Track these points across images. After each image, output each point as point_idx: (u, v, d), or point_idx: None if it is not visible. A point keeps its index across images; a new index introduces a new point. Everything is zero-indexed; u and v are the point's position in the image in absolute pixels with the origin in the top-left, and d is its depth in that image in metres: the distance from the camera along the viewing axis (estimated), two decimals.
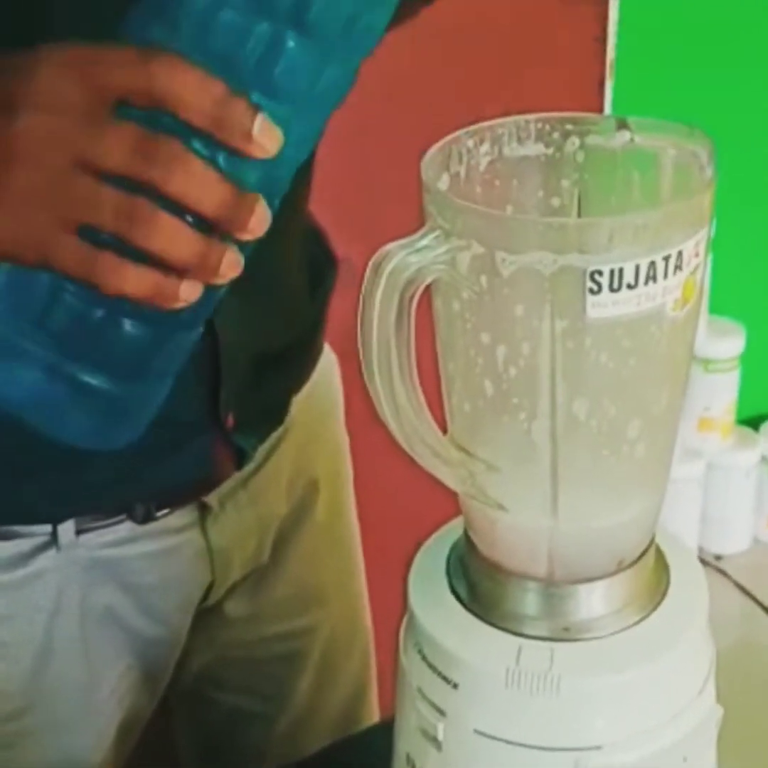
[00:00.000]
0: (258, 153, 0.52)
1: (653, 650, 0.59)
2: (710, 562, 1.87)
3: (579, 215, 0.61)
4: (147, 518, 0.84)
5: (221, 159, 0.52)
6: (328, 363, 0.98)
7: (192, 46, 0.52)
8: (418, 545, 0.65)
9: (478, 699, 0.59)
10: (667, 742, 0.59)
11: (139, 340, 0.56)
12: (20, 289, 0.55)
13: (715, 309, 1.79)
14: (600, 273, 0.52)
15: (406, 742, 0.63)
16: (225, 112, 0.51)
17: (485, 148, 0.59)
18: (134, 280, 0.53)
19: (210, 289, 0.55)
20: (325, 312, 0.93)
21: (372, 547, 1.07)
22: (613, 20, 1.51)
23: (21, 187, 0.52)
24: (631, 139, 0.59)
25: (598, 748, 0.58)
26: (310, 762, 0.88)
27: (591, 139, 0.60)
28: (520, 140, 0.60)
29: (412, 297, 0.54)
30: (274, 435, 0.91)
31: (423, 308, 0.56)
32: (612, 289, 0.52)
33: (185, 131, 0.51)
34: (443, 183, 0.58)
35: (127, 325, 0.55)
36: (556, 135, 0.60)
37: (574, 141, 0.60)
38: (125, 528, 0.84)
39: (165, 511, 0.85)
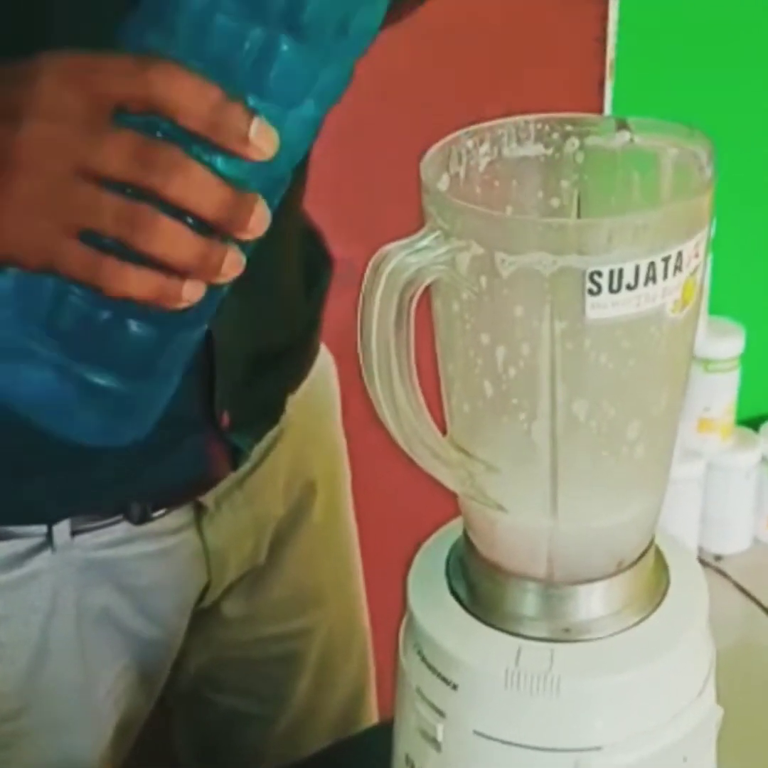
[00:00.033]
0: (255, 155, 0.53)
1: (653, 651, 0.59)
2: (710, 563, 1.87)
3: (578, 216, 0.61)
4: (143, 519, 0.84)
5: (220, 161, 0.53)
6: (324, 363, 0.98)
7: (188, 51, 0.52)
8: (417, 546, 0.65)
9: (477, 700, 0.59)
10: (667, 742, 0.59)
11: (144, 340, 0.57)
12: (27, 293, 0.56)
13: (714, 309, 1.80)
14: (599, 274, 0.52)
15: (405, 743, 0.63)
16: (221, 116, 0.52)
17: (485, 148, 0.59)
18: (137, 283, 0.53)
19: (213, 289, 0.56)
20: (321, 311, 0.93)
21: (371, 547, 1.07)
22: (613, 20, 1.51)
23: (24, 194, 0.53)
24: (631, 140, 0.59)
25: (598, 748, 0.58)
26: (309, 763, 0.88)
27: (591, 140, 0.60)
28: (519, 141, 0.60)
29: (411, 298, 0.54)
30: (271, 435, 0.91)
31: (423, 309, 0.56)
32: (611, 290, 0.52)
33: (183, 136, 0.52)
34: (443, 183, 0.58)
35: (133, 325, 0.56)
36: (555, 135, 0.60)
37: (574, 141, 0.60)
38: (121, 529, 0.84)
39: (161, 511, 0.85)
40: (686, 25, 1.66)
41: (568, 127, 0.60)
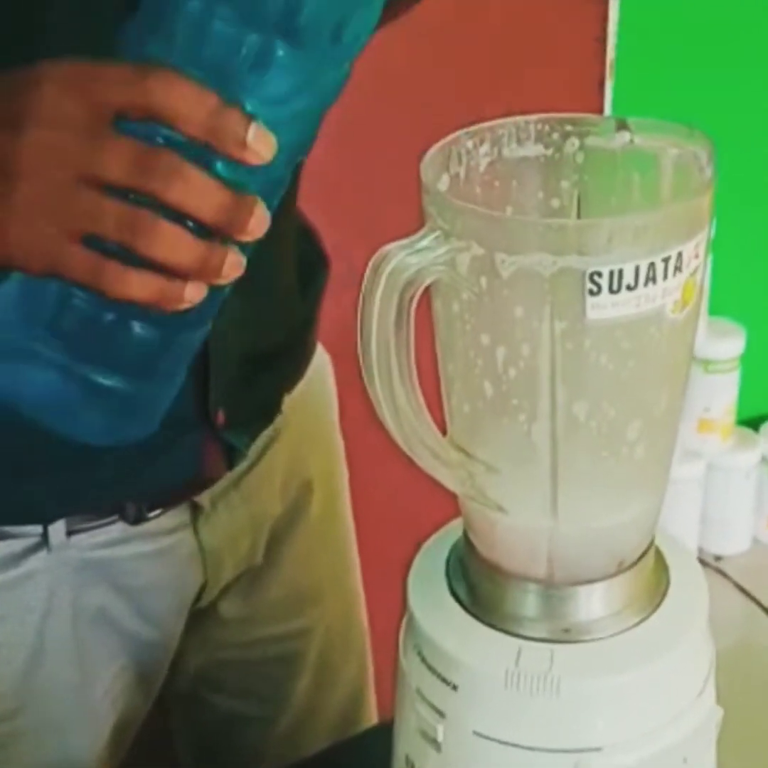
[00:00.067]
0: (253, 159, 0.54)
1: (653, 651, 0.59)
2: (710, 563, 1.87)
3: (579, 216, 0.61)
4: (139, 519, 0.84)
5: (219, 166, 0.54)
6: (321, 363, 0.98)
7: (187, 58, 0.53)
8: (417, 546, 0.65)
9: (477, 700, 0.59)
10: (667, 743, 0.59)
11: (147, 341, 0.58)
12: (32, 296, 0.57)
13: (714, 310, 1.79)
14: (599, 274, 0.52)
15: (405, 744, 0.63)
16: (219, 122, 0.53)
17: (485, 148, 0.59)
18: (139, 286, 0.54)
19: (214, 290, 0.57)
20: (317, 311, 0.94)
21: (371, 548, 1.07)
22: (613, 20, 1.51)
23: (27, 201, 0.54)
24: (631, 140, 0.59)
25: (598, 749, 0.58)
26: (309, 764, 0.88)
27: (591, 140, 0.60)
28: (519, 141, 0.60)
29: (411, 298, 0.54)
30: (267, 434, 0.91)
31: (423, 309, 0.56)
32: (611, 291, 0.52)
33: (183, 142, 0.53)
34: (443, 184, 0.58)
35: (136, 327, 0.57)
36: (555, 136, 0.60)
37: (574, 142, 0.60)
38: (117, 529, 0.84)
39: (157, 511, 0.85)
40: (686, 25, 1.66)
41: (568, 128, 0.60)
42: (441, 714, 0.60)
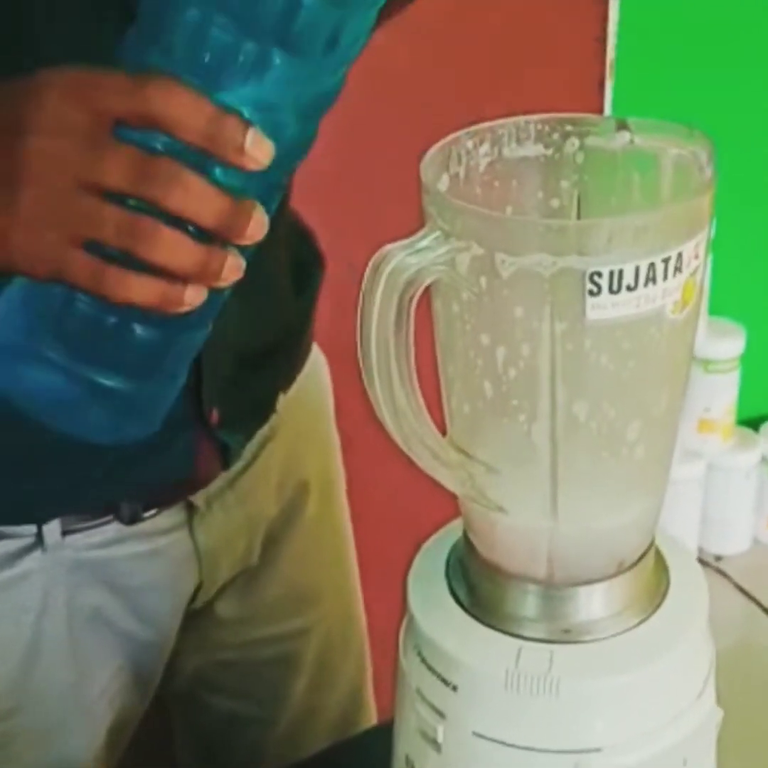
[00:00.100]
0: (251, 165, 0.54)
1: (653, 652, 0.59)
2: (710, 563, 1.87)
3: (579, 217, 0.61)
4: (134, 519, 0.85)
5: (217, 171, 0.55)
6: (316, 362, 0.98)
7: (186, 66, 0.54)
8: (417, 547, 0.65)
9: (477, 701, 0.59)
10: (667, 744, 0.59)
11: (149, 343, 0.59)
12: (36, 300, 0.58)
13: (714, 310, 1.79)
14: (599, 275, 0.52)
15: (405, 744, 0.63)
16: (217, 129, 0.54)
17: (485, 149, 0.59)
18: (141, 289, 0.55)
19: (214, 292, 0.58)
20: (312, 310, 0.94)
21: (371, 548, 1.07)
22: (613, 20, 1.51)
23: (30, 207, 0.55)
24: (631, 140, 0.59)
25: (597, 750, 0.58)
26: (309, 764, 0.88)
27: (591, 140, 0.60)
28: (519, 141, 0.60)
29: (411, 298, 0.54)
30: (262, 434, 0.91)
31: (422, 310, 0.56)
32: (611, 291, 0.52)
33: (182, 148, 0.54)
34: (443, 184, 0.58)
35: (138, 329, 0.58)
36: (555, 136, 0.60)
37: (574, 142, 0.60)
38: (112, 529, 0.84)
39: (152, 511, 0.86)
40: (686, 25, 1.66)
41: (568, 128, 0.60)
42: (441, 714, 0.60)
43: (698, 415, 1.87)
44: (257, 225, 0.55)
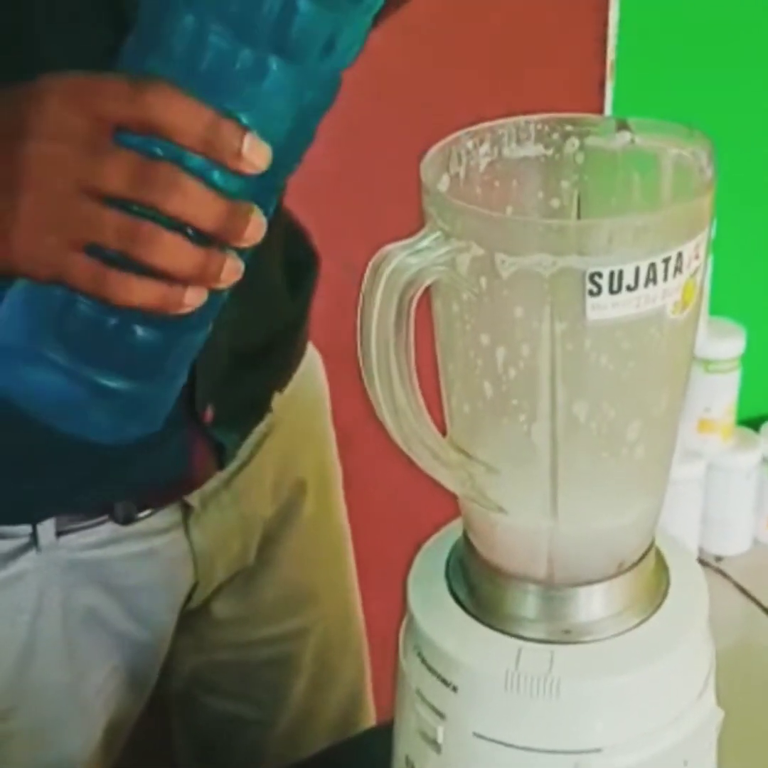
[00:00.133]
0: (248, 169, 0.55)
1: (653, 652, 0.59)
2: (710, 564, 1.87)
3: (579, 217, 0.61)
4: (128, 519, 0.85)
5: (216, 176, 0.55)
6: (312, 362, 0.98)
7: (184, 73, 0.55)
8: (417, 547, 0.65)
9: (477, 702, 0.59)
10: (668, 744, 0.59)
11: (150, 344, 0.59)
12: (38, 302, 0.58)
13: (715, 310, 1.79)
14: (600, 275, 0.52)
15: (405, 745, 0.63)
16: (215, 134, 0.54)
17: (485, 149, 0.59)
18: (141, 292, 0.56)
19: (214, 293, 0.58)
20: (307, 310, 0.94)
21: (371, 548, 1.07)
22: (613, 20, 1.51)
23: (31, 212, 0.55)
24: (631, 140, 0.59)
25: (598, 750, 0.58)
26: (308, 765, 0.88)
27: (591, 140, 0.60)
28: (519, 141, 0.60)
29: (411, 298, 0.54)
30: (258, 433, 0.91)
31: (423, 310, 0.56)
32: (612, 291, 0.52)
33: (181, 153, 0.55)
34: (443, 184, 0.58)
35: (139, 330, 0.58)
36: (555, 136, 0.60)
37: (574, 142, 0.60)
38: (107, 529, 0.84)
39: (147, 511, 0.86)
40: (686, 25, 1.66)
41: (568, 128, 0.60)
42: (441, 715, 0.60)
43: (698, 415, 1.87)
44: (255, 227, 0.56)
